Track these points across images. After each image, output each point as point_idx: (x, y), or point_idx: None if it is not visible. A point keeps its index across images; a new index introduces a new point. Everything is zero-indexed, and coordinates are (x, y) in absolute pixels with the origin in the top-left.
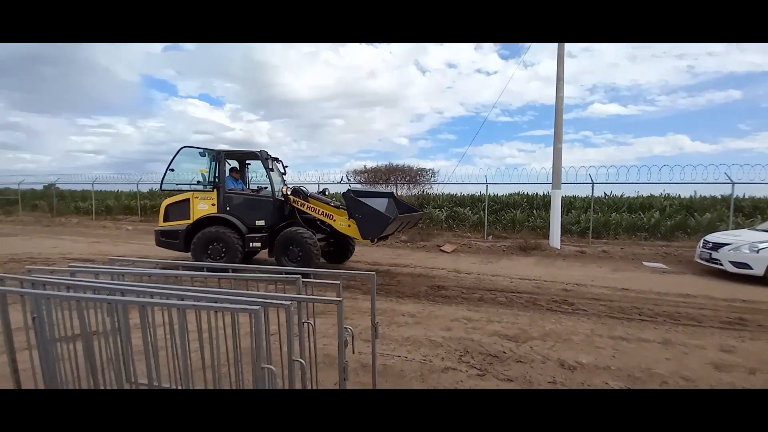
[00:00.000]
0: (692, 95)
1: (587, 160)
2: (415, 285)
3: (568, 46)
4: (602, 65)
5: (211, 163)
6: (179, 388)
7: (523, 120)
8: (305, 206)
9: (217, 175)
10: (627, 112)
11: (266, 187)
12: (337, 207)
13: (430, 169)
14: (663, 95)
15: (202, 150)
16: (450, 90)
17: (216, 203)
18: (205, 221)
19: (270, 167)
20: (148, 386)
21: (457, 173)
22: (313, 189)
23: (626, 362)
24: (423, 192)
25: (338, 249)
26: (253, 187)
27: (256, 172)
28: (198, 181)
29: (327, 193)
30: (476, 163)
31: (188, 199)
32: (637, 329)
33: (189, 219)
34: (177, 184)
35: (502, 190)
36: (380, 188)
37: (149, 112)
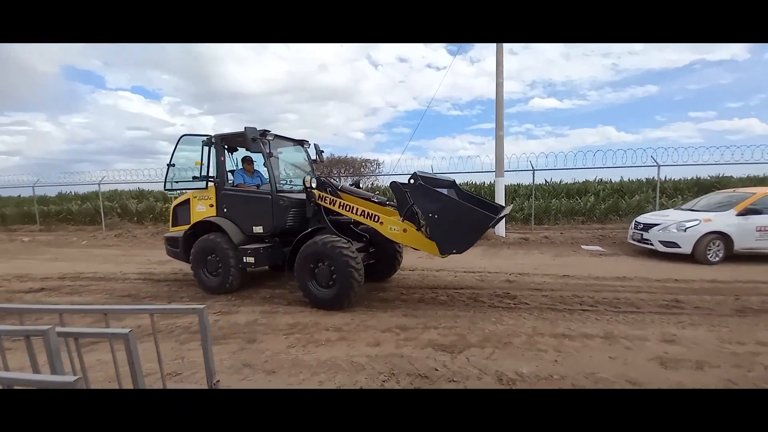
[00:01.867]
0: (617, 90)
1: (530, 151)
2: None
3: (510, 44)
4: (541, 62)
5: (205, 153)
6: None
7: (473, 113)
8: (336, 204)
9: (216, 167)
10: (563, 106)
11: (287, 183)
12: (383, 204)
13: (374, 160)
14: (593, 90)
15: (206, 137)
16: (403, 84)
17: (216, 204)
18: (204, 227)
19: (269, 152)
20: None
21: (409, 165)
22: None
23: (570, 367)
24: (370, 184)
25: (381, 262)
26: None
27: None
28: (193, 177)
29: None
30: (431, 156)
31: (188, 200)
32: (579, 322)
33: (189, 224)
34: (176, 182)
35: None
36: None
37: (72, 107)
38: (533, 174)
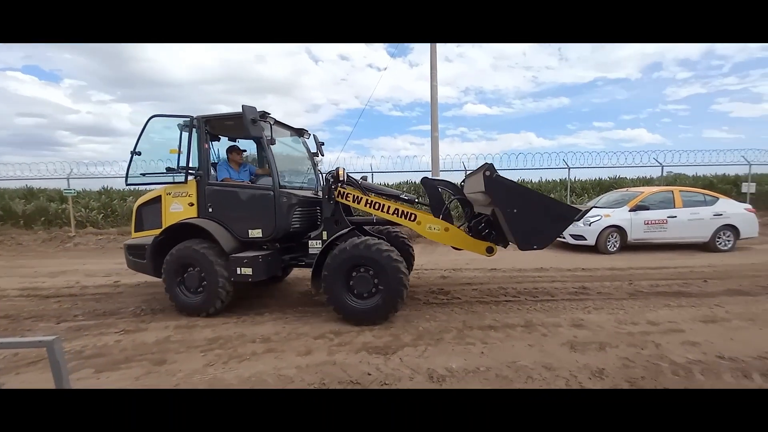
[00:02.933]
0: (537, 100)
1: (465, 153)
2: (286, 294)
3: (446, 52)
4: (473, 71)
5: (183, 140)
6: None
7: (413, 115)
8: (362, 202)
9: (197, 156)
10: (492, 113)
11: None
12: (412, 202)
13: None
14: (517, 99)
15: (183, 120)
16: (345, 82)
17: (197, 202)
18: (181, 231)
19: (269, 139)
20: None
21: (350, 164)
22: None
23: (495, 358)
24: None
25: None
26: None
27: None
28: (167, 168)
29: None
30: (374, 155)
31: (159, 198)
32: (503, 313)
33: (160, 228)
34: (143, 175)
35: (391, 179)
36: None
37: None
38: (465, 174)
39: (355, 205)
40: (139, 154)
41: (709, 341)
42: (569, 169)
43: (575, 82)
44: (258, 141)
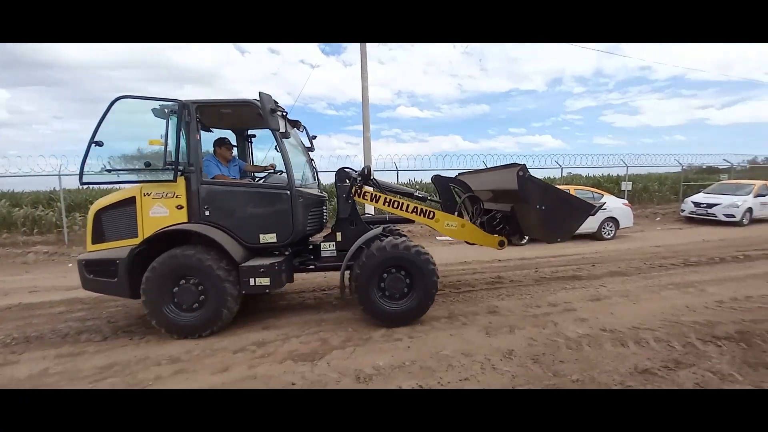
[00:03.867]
0: (462, 106)
1: (399, 153)
2: None
3: (378, 54)
4: (406, 75)
5: (169, 129)
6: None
7: (348, 114)
8: (380, 200)
9: (185, 149)
10: (424, 116)
11: (279, 172)
12: (424, 200)
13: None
14: (445, 104)
15: (159, 104)
16: (276, 77)
17: (186, 205)
18: (166, 240)
19: (285, 133)
20: None
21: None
22: None
23: (419, 351)
24: None
25: None
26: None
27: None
28: (146, 164)
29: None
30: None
31: (133, 199)
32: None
33: (136, 237)
34: (108, 171)
35: (324, 179)
36: None
37: None
38: (397, 174)
39: (373, 203)
40: (100, 144)
41: (595, 317)
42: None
43: (494, 91)
44: (273, 134)
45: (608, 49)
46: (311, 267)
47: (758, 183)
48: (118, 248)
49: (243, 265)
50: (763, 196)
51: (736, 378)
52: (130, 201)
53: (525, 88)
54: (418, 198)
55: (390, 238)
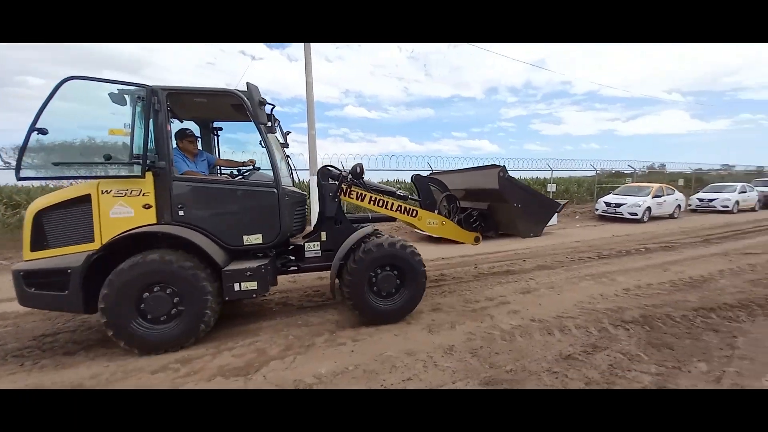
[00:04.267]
0: (409, 109)
1: (347, 153)
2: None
3: (325, 51)
4: (353, 75)
5: (137, 117)
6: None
7: (294, 111)
8: (366, 199)
9: (153, 141)
10: (372, 116)
11: (257, 169)
12: (405, 199)
13: None
14: (392, 106)
15: (118, 88)
16: (212, 66)
17: (155, 204)
18: (130, 244)
19: (271, 128)
20: None
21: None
22: None
23: (363, 354)
24: None
25: None
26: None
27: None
28: (106, 157)
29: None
30: (255, 151)
31: (87, 197)
32: None
33: (91, 241)
34: (55, 165)
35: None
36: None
37: None
38: (432, 173)
39: (357, 202)
40: (45, 132)
41: (526, 308)
42: (432, 172)
43: (438, 96)
44: (259, 128)
45: (535, 62)
46: (293, 268)
47: (656, 186)
48: (66, 255)
49: (227, 269)
50: (659, 197)
51: (642, 358)
52: (84, 200)
53: (465, 95)
54: (399, 197)
55: (385, 237)
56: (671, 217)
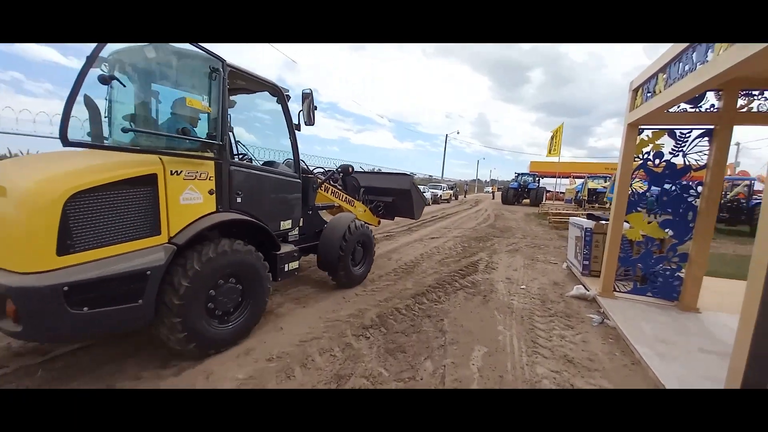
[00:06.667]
0: None
1: None
2: None
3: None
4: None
5: (213, 90)
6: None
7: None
8: (329, 191)
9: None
10: None
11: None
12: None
13: None
14: None
15: (205, 52)
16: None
17: (215, 189)
18: (201, 233)
19: (298, 125)
20: None
21: None
22: None
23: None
24: None
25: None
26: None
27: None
28: (180, 131)
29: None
30: None
31: (153, 178)
32: None
33: (158, 233)
34: (125, 132)
35: None
36: None
37: None
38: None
39: (325, 194)
40: (111, 80)
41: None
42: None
43: None
44: (290, 124)
45: (288, 63)
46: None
47: None
48: (125, 255)
49: (280, 252)
50: None
51: (383, 375)
52: (146, 180)
53: None
54: (345, 192)
55: (356, 220)
56: None
